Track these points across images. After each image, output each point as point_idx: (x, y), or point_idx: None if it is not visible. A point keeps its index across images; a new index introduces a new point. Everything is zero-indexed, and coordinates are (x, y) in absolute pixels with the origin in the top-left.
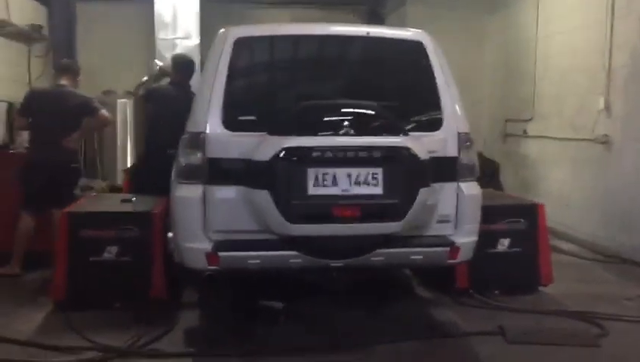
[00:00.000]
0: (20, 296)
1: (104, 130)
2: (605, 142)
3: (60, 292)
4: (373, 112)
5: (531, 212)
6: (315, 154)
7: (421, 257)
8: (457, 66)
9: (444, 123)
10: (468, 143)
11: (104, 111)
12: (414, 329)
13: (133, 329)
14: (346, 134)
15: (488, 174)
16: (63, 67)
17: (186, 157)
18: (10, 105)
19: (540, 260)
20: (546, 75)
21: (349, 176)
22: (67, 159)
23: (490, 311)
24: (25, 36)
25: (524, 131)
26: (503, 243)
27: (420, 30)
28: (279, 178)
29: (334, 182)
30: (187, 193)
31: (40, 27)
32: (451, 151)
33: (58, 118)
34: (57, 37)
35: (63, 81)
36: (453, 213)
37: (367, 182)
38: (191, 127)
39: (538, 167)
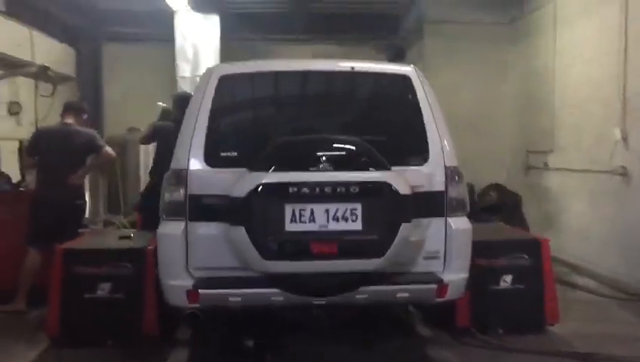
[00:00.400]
0: (20, 332)
1: (109, 167)
2: (623, 174)
3: (54, 329)
4: (353, 147)
5: (535, 247)
6: (291, 190)
7: (407, 295)
8: (478, 98)
9: (431, 157)
10: (456, 177)
11: (108, 149)
12: None
13: None
14: (323, 170)
15: (511, 207)
16: (69, 106)
17: (169, 194)
18: (21, 143)
19: (545, 297)
20: (565, 106)
21: (327, 211)
22: (72, 196)
23: (491, 352)
24: (35, 76)
25: (545, 163)
26: (506, 280)
27: (408, 65)
28: (255, 214)
29: (312, 218)
30: (169, 230)
31: (47, 68)
32: (438, 185)
33: (65, 157)
34: (84, 76)
35: (69, 120)
36: (442, 249)
37: (346, 218)
38: (174, 163)
39: (559, 200)
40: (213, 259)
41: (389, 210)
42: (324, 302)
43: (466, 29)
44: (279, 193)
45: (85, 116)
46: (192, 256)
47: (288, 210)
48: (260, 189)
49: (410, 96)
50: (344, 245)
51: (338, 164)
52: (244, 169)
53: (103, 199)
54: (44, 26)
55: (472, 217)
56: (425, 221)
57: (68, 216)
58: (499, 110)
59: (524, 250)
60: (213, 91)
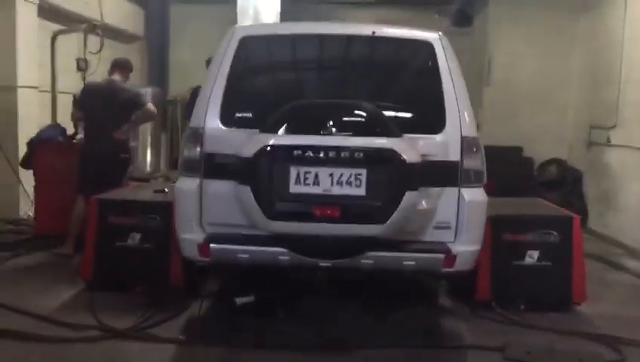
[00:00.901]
0: (62, 274)
1: (150, 122)
2: None
3: (87, 274)
4: (361, 113)
5: (565, 224)
6: (296, 152)
7: (413, 263)
8: (542, 69)
9: (447, 126)
10: (473, 148)
11: (150, 105)
12: (415, 337)
13: (144, 312)
14: (329, 134)
15: (570, 183)
16: (116, 64)
17: (187, 151)
18: (74, 97)
19: (572, 276)
20: (631, 81)
21: (332, 175)
22: (117, 150)
23: (506, 327)
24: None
25: (608, 139)
26: (532, 256)
27: (432, 31)
28: (260, 175)
29: (316, 181)
30: (185, 185)
31: (95, 25)
32: (453, 155)
33: (109, 111)
34: (153, 36)
35: (115, 77)
36: (454, 219)
37: (350, 183)
38: (192, 122)
39: (620, 178)
40: (224, 215)
41: (393, 177)
42: (329, 265)
43: None
44: (284, 155)
45: (130, 73)
46: (205, 212)
47: (293, 172)
48: (265, 150)
49: (430, 63)
50: (346, 209)
51: (345, 128)
52: (257, 130)
53: (165, 155)
54: None
55: (528, 191)
56: (436, 190)
57: (112, 168)
58: (563, 82)
59: (554, 226)
60: (233, 52)
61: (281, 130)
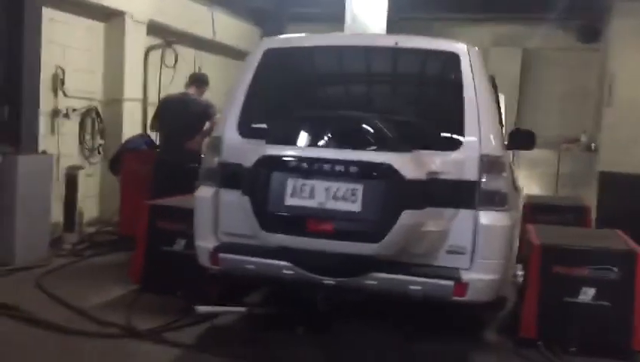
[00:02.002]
0: (123, 274)
1: None
2: None
3: (137, 275)
4: (364, 126)
5: (627, 259)
6: (293, 164)
7: (420, 288)
8: None
9: (465, 143)
10: (495, 168)
11: (218, 116)
12: None
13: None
14: (328, 146)
15: None
16: (192, 78)
17: (207, 160)
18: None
19: (634, 319)
20: None
21: (327, 189)
22: (187, 160)
23: None
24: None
25: None
26: (587, 293)
27: (460, 42)
28: (257, 185)
29: (312, 195)
30: (202, 194)
31: (170, 42)
32: (470, 174)
33: (181, 122)
34: None
35: (190, 90)
36: (469, 244)
37: (345, 198)
38: (214, 132)
39: None
40: (236, 225)
41: (389, 194)
42: (333, 283)
43: None
44: (281, 166)
45: (206, 88)
46: (221, 221)
47: (290, 184)
48: (263, 161)
49: (453, 76)
50: (340, 225)
51: (346, 142)
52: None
53: None
54: (232, 7)
55: None
56: (449, 211)
57: (182, 176)
58: None
59: (613, 261)
60: (257, 63)
61: (282, 142)
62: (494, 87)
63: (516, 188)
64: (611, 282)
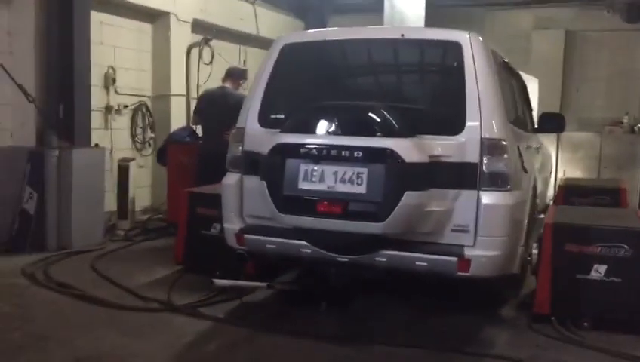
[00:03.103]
0: (168, 257)
1: None
2: None
3: (179, 257)
4: (367, 114)
5: (638, 237)
6: (304, 150)
7: (426, 264)
8: None
9: (467, 128)
10: (496, 150)
11: None
12: (444, 341)
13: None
14: (336, 133)
15: None
16: (228, 72)
17: (232, 149)
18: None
19: None
20: None
21: (335, 173)
22: (227, 150)
23: (563, 343)
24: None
25: None
26: (598, 270)
27: (463, 31)
28: (273, 171)
29: (322, 179)
30: (228, 180)
31: (208, 40)
32: (471, 157)
33: (220, 115)
34: None
35: (227, 84)
36: (472, 223)
37: (352, 181)
38: (238, 122)
39: None
40: (258, 208)
41: (392, 177)
42: (346, 260)
43: None
44: (294, 153)
45: (243, 81)
46: (245, 205)
47: (302, 169)
48: (277, 148)
49: (456, 64)
50: (347, 207)
51: (352, 129)
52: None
53: None
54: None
55: None
56: (452, 192)
57: (223, 166)
58: None
59: (624, 239)
60: (276, 58)
61: (295, 130)
62: (511, 73)
63: (525, 170)
64: (622, 259)
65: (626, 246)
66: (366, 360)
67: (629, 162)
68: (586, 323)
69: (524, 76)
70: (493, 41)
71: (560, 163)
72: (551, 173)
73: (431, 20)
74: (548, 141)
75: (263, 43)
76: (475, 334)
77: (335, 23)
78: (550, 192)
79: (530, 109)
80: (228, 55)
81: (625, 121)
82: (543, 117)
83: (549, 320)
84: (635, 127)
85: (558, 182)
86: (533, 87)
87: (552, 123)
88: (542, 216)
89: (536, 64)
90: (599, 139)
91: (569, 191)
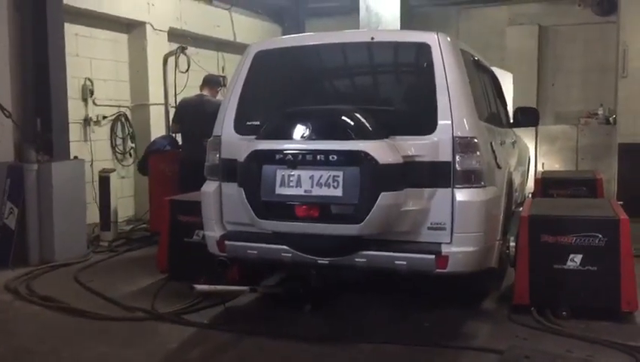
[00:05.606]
0: (152, 266)
1: None
2: None
3: (162, 265)
4: (342, 118)
5: (612, 227)
6: (279, 156)
7: (405, 263)
8: None
9: (438, 127)
10: (468, 149)
11: None
12: (425, 336)
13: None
14: (311, 138)
15: None
16: (205, 80)
17: (209, 157)
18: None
19: (620, 282)
20: None
21: (312, 178)
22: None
23: (542, 333)
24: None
25: None
26: (574, 260)
27: (431, 32)
28: (250, 177)
29: (298, 183)
30: (207, 188)
31: (184, 48)
32: (444, 155)
33: (198, 122)
34: None
35: (204, 92)
36: (448, 220)
37: (328, 185)
38: (214, 130)
39: None
40: (237, 215)
41: (367, 179)
42: (326, 262)
43: None
44: (270, 159)
45: (220, 88)
46: (225, 212)
47: (279, 174)
48: (253, 155)
49: (426, 65)
50: (325, 210)
51: (326, 133)
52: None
53: None
54: (251, 7)
55: None
56: (427, 191)
57: (201, 172)
58: None
59: (598, 229)
60: (249, 65)
61: (270, 137)
62: (483, 70)
63: (498, 166)
64: (597, 248)
65: (599, 236)
66: (351, 357)
67: (605, 152)
68: (564, 312)
69: (498, 72)
70: (469, 39)
71: (539, 156)
72: (529, 166)
73: (406, 21)
74: (526, 135)
75: (241, 49)
76: (456, 328)
77: (312, 26)
78: (530, 185)
79: (504, 105)
80: (207, 62)
81: (600, 112)
82: (517, 111)
83: (528, 311)
84: (610, 118)
85: (535, 175)
86: (507, 82)
87: (527, 117)
88: (520, 209)
89: (512, 60)
90: (575, 131)
91: (547, 184)
